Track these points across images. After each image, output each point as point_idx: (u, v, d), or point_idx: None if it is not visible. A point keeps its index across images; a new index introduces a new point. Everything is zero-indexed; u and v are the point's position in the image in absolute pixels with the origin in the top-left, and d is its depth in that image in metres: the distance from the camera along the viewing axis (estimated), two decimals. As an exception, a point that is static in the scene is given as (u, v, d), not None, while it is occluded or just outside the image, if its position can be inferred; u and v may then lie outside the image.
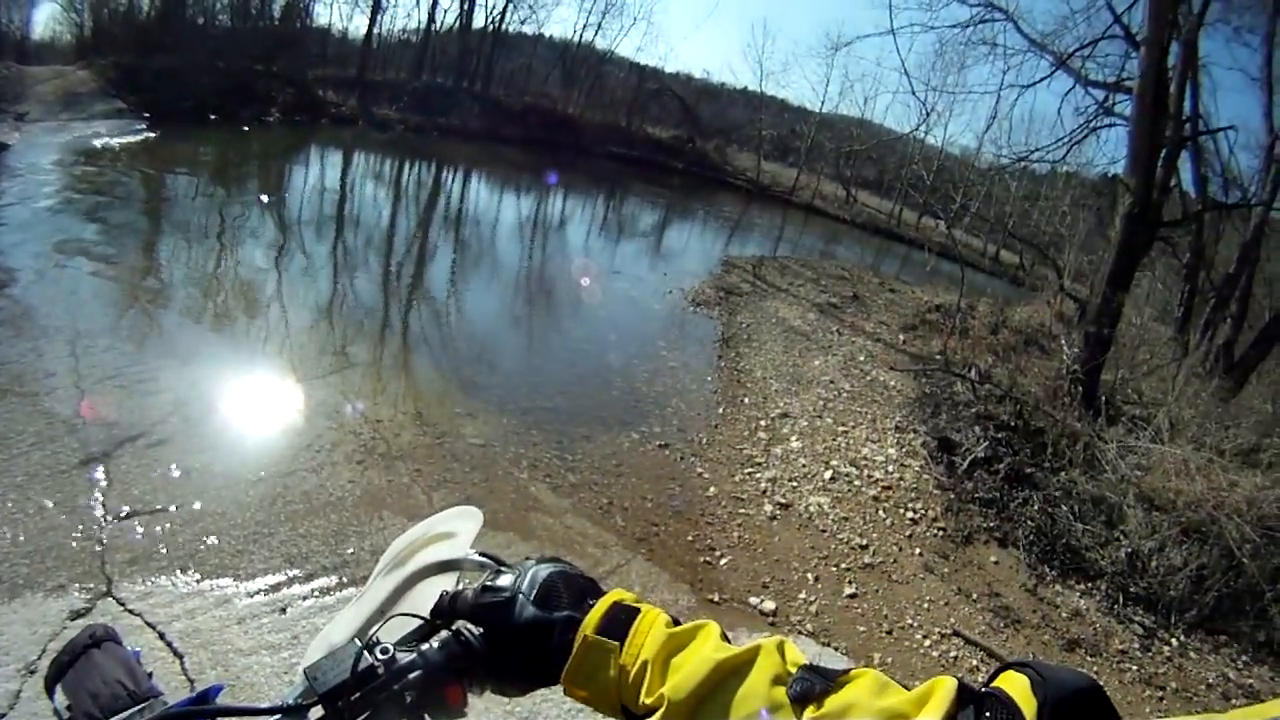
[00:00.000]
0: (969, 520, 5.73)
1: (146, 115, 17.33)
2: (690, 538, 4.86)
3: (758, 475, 5.79)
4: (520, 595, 0.69)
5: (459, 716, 0.69)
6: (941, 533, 5.54)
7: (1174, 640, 4.91)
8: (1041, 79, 12.74)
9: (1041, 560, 5.44)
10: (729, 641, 0.63)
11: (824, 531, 5.23)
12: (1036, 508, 5.87)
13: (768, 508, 5.35)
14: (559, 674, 0.65)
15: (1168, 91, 8.14)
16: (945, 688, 0.52)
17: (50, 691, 0.90)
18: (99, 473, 4.24)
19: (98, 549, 3.66)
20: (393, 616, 0.77)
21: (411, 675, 0.67)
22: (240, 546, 3.92)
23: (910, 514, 5.65)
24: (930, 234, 22.23)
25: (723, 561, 4.71)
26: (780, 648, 0.59)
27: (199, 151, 15.45)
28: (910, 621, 4.52)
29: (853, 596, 4.63)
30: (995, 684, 0.54)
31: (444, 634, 0.71)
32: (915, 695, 0.52)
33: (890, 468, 6.25)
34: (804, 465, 6.05)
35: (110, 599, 3.36)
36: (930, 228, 23.94)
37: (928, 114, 19.56)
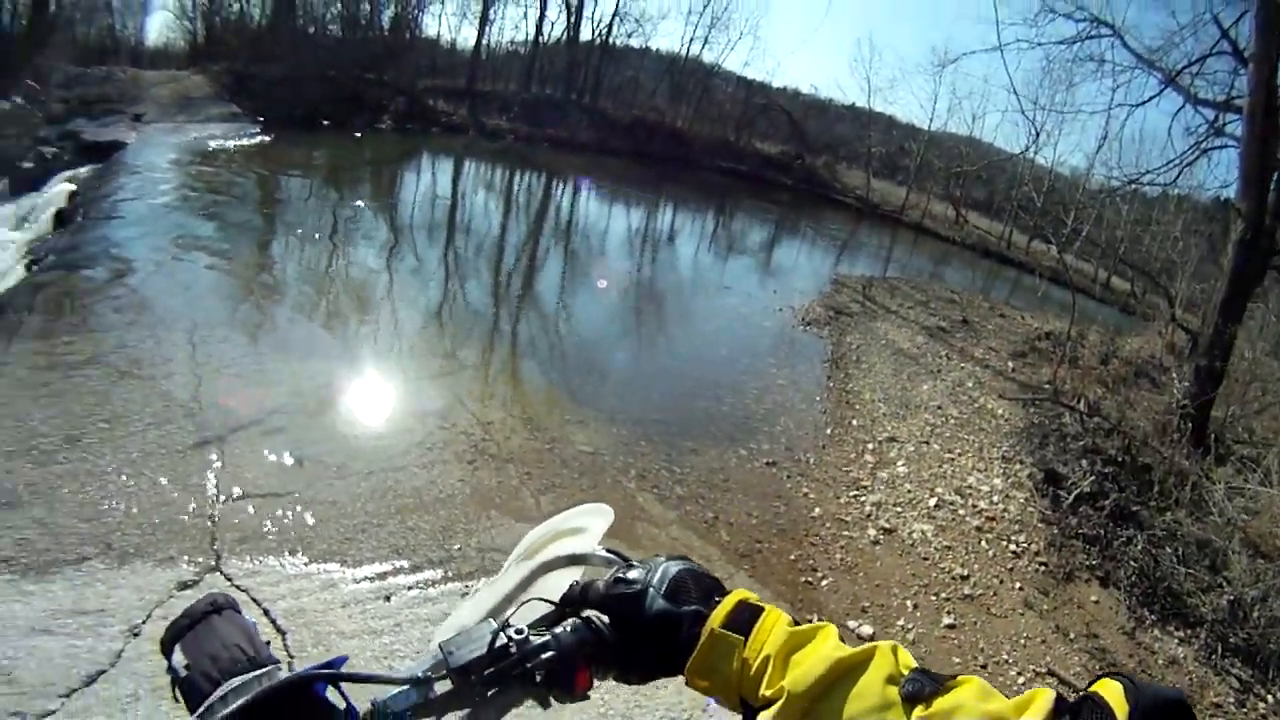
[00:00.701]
0: (1071, 557, 6.25)
1: (260, 120, 20.03)
2: (793, 557, 5.45)
3: (863, 498, 6.42)
4: (651, 589, 0.83)
5: (581, 699, 0.84)
6: (1043, 568, 6.04)
7: (1270, 697, 5.19)
8: (1150, 97, 13.15)
9: (1142, 603, 5.88)
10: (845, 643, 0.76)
11: (926, 559, 5.77)
12: (1140, 548, 6.34)
13: (871, 532, 5.94)
14: (682, 665, 0.79)
15: (1279, 110, 8.58)
16: (1045, 697, 0.64)
17: (168, 651, 1.08)
18: (213, 455, 5.01)
19: (208, 526, 4.32)
20: (526, 601, 0.93)
21: (544, 655, 0.82)
22: (349, 535, 4.51)
23: (1013, 547, 6.21)
24: (1040, 258, 24.31)
25: (824, 583, 5.25)
26: (894, 650, 0.71)
27: (312, 156, 17.62)
28: (1006, 657, 4.94)
29: (951, 627, 5.10)
30: (1091, 690, 0.66)
31: (574, 620, 0.86)
32: (1016, 702, 0.65)
33: (995, 498, 6.90)
34: (909, 491, 6.69)
35: (218, 573, 3.96)
36: (1040, 251, 25.61)
37: (1037, 133, 20.06)
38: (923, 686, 0.65)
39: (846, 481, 6.68)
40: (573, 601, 0.89)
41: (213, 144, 16.21)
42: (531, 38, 33.33)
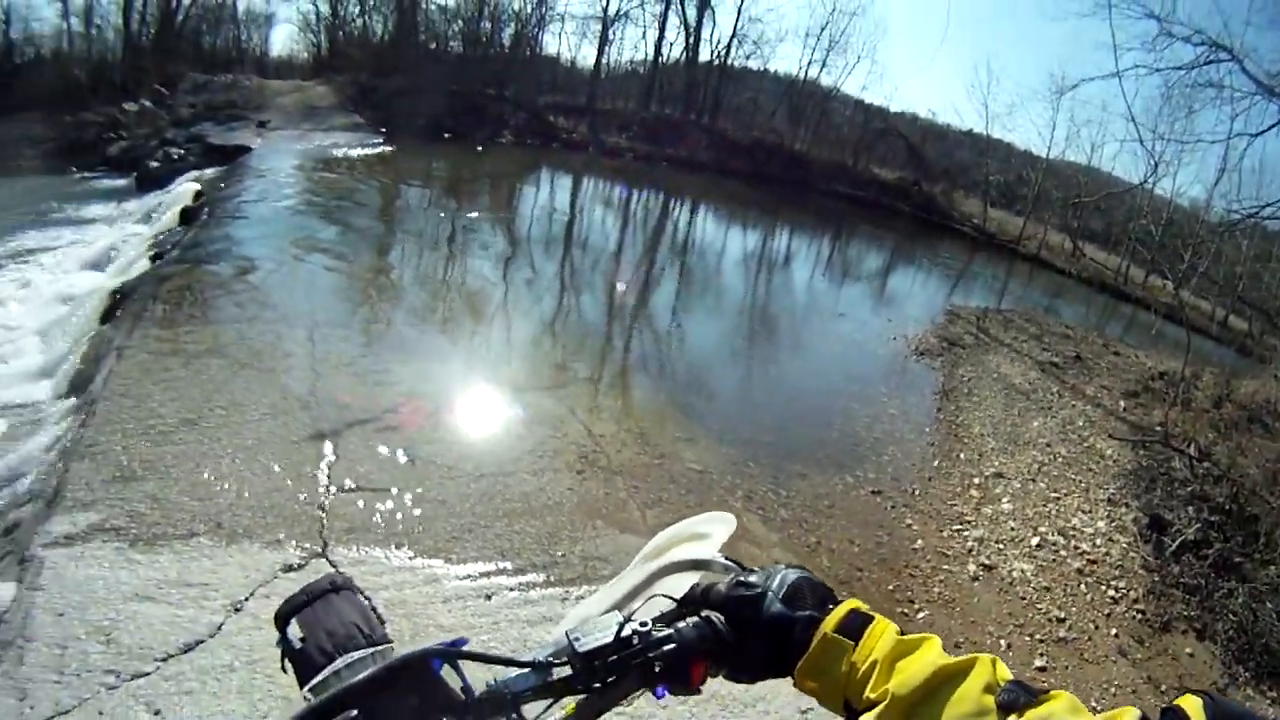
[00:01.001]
0: (1170, 606, 6.31)
1: (382, 130, 21.27)
2: (891, 587, 5.58)
3: (965, 533, 6.61)
4: (770, 593, 0.91)
5: (694, 694, 0.92)
6: (1140, 615, 6.09)
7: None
8: (1270, 126, 12.88)
9: (1237, 659, 5.89)
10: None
11: (1024, 599, 5.89)
12: (1241, 601, 6.34)
13: (971, 568, 6.11)
14: (792, 667, 0.88)
15: (1401, 141, 8.31)
16: (1130, 715, 0.71)
17: (283, 624, 1.19)
18: (327, 448, 5.31)
19: (318, 514, 4.55)
20: (650, 598, 1.02)
21: (665, 648, 0.90)
22: (455, 533, 4.68)
23: (1112, 592, 6.30)
24: (1157, 294, 24.21)
25: (920, 615, 5.36)
26: (993, 662, 0.77)
27: (433, 167, 18.56)
28: (1094, 705, 4.68)
29: (1042, 669, 5.21)
30: (1172, 704, 0.75)
31: (694, 618, 0.94)
32: (1103, 718, 0.72)
33: (1098, 541, 7.04)
34: (1012, 529, 6.88)
35: (324, 560, 4.16)
36: (1157, 287, 25.04)
37: (1155, 163, 19.50)
38: (1018, 697, 0.72)
39: (950, 515, 6.85)
40: (693, 601, 0.97)
41: (336, 152, 17.32)
42: (650, 57, 34.83)
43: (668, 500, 5.72)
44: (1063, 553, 6.70)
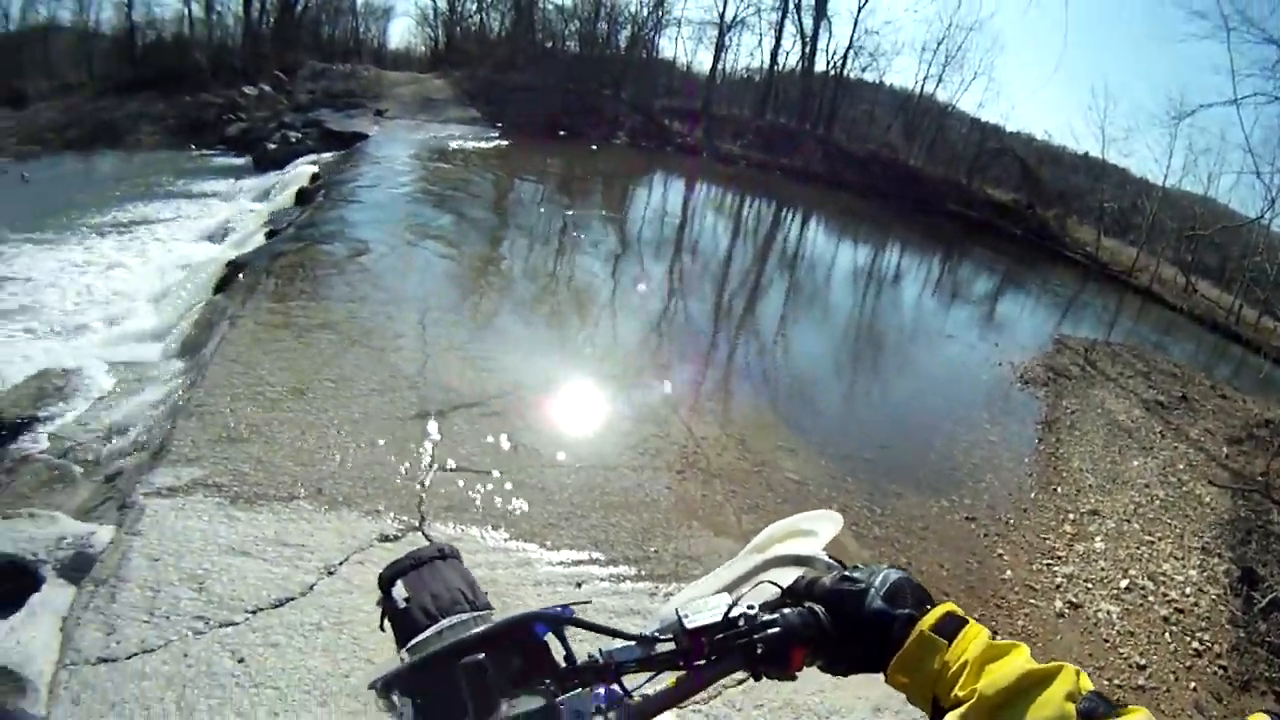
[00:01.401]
0: (1253, 665, 6.16)
1: (498, 125, 21.87)
2: (976, 616, 5.14)
3: (1055, 569, 6.58)
4: (872, 589, 0.96)
5: (789, 679, 0.97)
6: (1222, 671, 5.95)
7: None
8: None
9: None
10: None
11: (1107, 641, 5.82)
12: None
13: (1058, 604, 6.06)
14: (886, 663, 0.93)
15: None
16: None
17: (387, 585, 1.27)
18: (432, 427, 5.45)
19: (417, 490, 4.65)
20: (759, 583, 1.08)
21: (769, 631, 0.95)
22: (552, 521, 4.71)
23: (1196, 644, 6.16)
24: (1270, 336, 24.33)
25: None
26: (1077, 673, 0.81)
27: (547, 163, 18.88)
28: None
29: None
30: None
31: (798, 608, 0.98)
32: None
33: (1188, 590, 6.92)
34: (1103, 569, 6.82)
35: (420, 533, 4.23)
36: (1269, 330, 24.70)
37: (1274, 199, 18.79)
38: (1097, 707, 0.76)
39: (1042, 549, 6.84)
40: (798, 592, 1.03)
41: (452, 144, 17.88)
42: (766, 65, 35.27)
43: (764, 507, 5.70)
44: (1151, 598, 6.65)
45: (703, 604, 1.00)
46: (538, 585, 4.10)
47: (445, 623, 1.21)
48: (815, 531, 1.21)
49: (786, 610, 0.98)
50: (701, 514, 5.34)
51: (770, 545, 1.21)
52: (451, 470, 5.02)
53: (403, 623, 1.26)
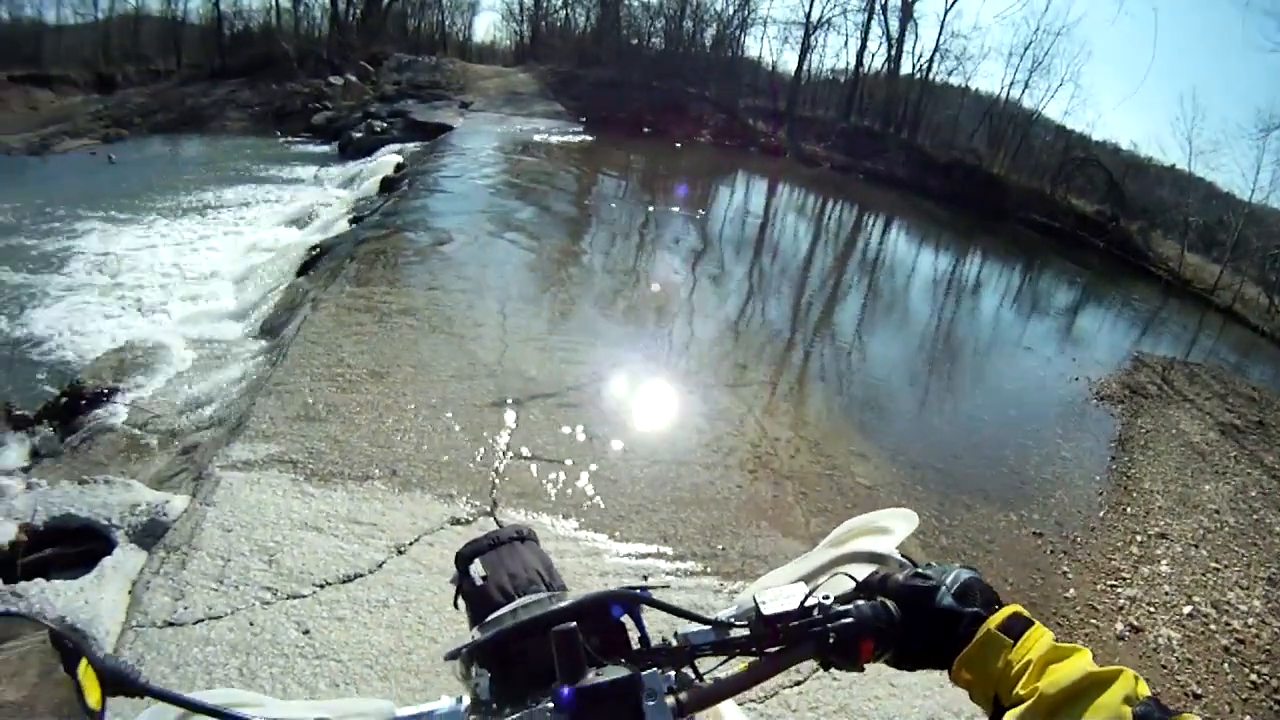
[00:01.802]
0: None
1: (582, 120, 22.11)
2: None
3: (1119, 590, 6.48)
4: (943, 586, 0.98)
5: (857, 670, 0.98)
6: (1277, 706, 5.79)
7: None
8: None
9: None
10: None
11: (1165, 668, 5.73)
12: None
13: (1119, 626, 5.99)
14: (950, 660, 0.94)
15: None
16: None
17: (464, 563, 1.33)
18: (509, 415, 5.52)
19: (491, 476, 4.69)
20: (835, 574, 1.09)
21: (843, 621, 0.97)
22: (622, 513, 4.71)
23: (1255, 676, 6.04)
24: None
25: None
26: (1136, 679, 0.82)
27: (630, 159, 19.03)
28: None
29: None
30: None
31: (871, 601, 1.00)
32: None
33: (1250, 621, 6.77)
34: (1166, 593, 6.71)
35: (491, 518, 4.26)
36: None
37: None
38: (1153, 712, 0.78)
39: (1107, 569, 6.75)
40: (871, 587, 1.05)
41: (536, 137, 18.15)
42: (852, 67, 35.20)
43: (833, 511, 5.69)
44: (1213, 626, 6.51)
45: (779, 592, 1.02)
46: (604, 575, 4.10)
47: (521, 601, 1.27)
48: (891, 529, 1.22)
49: (860, 602, 1.01)
50: (771, 514, 5.32)
51: (847, 540, 1.22)
52: (525, 458, 5.06)
53: (479, 600, 1.32)
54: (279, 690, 2.92)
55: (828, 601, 1.00)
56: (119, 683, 0.82)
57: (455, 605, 1.36)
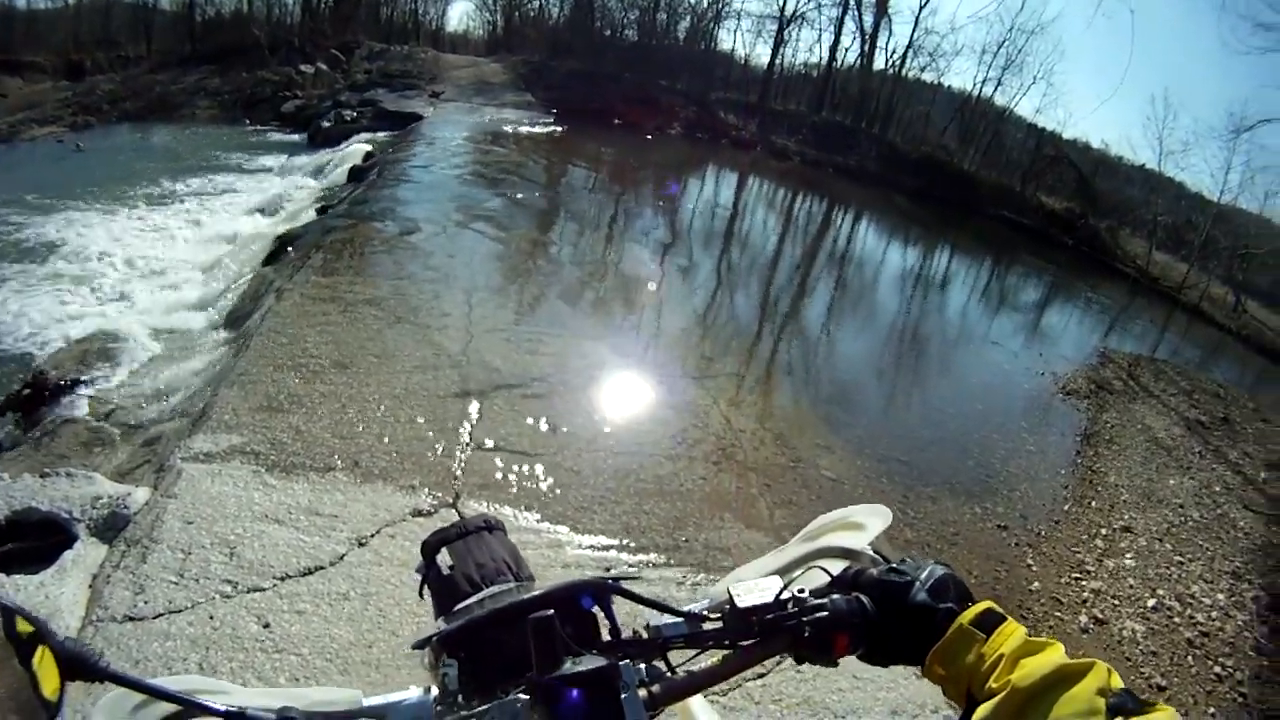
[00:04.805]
0: (1272, 695, 6.07)
1: (553, 111, 22.04)
2: None
3: (1083, 583, 6.58)
4: (918, 582, 0.98)
5: (831, 665, 0.99)
6: (1241, 699, 5.90)
7: None
8: None
9: None
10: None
11: (1129, 660, 5.83)
12: None
13: (1083, 619, 6.08)
14: (924, 655, 0.95)
15: None
16: None
17: (431, 553, 1.32)
18: (472, 407, 5.49)
19: (454, 467, 4.67)
20: (810, 568, 1.09)
21: (817, 615, 0.97)
22: (584, 504, 4.72)
23: (1218, 669, 6.15)
24: None
25: None
26: (1109, 671, 0.82)
27: (601, 151, 19.03)
28: None
29: None
30: None
31: (845, 596, 1.00)
32: None
33: (1214, 614, 6.93)
34: (1131, 586, 6.83)
35: (453, 510, 4.25)
36: None
37: None
38: (1126, 703, 0.78)
39: (1071, 562, 6.86)
40: (845, 581, 1.05)
41: (506, 128, 18.13)
42: (825, 61, 35.40)
43: (798, 503, 5.71)
44: (1177, 619, 6.66)
45: (753, 585, 1.02)
46: (566, 567, 4.11)
47: (488, 591, 1.27)
48: (864, 525, 1.23)
49: (835, 596, 1.00)
50: (735, 506, 5.34)
51: (821, 535, 1.24)
52: (489, 449, 5.05)
53: (445, 589, 1.31)
54: (239, 684, 2.90)
55: (803, 595, 1.00)
56: (79, 667, 0.80)
57: (420, 595, 1.36)
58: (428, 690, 0.98)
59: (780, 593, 0.99)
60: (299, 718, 0.85)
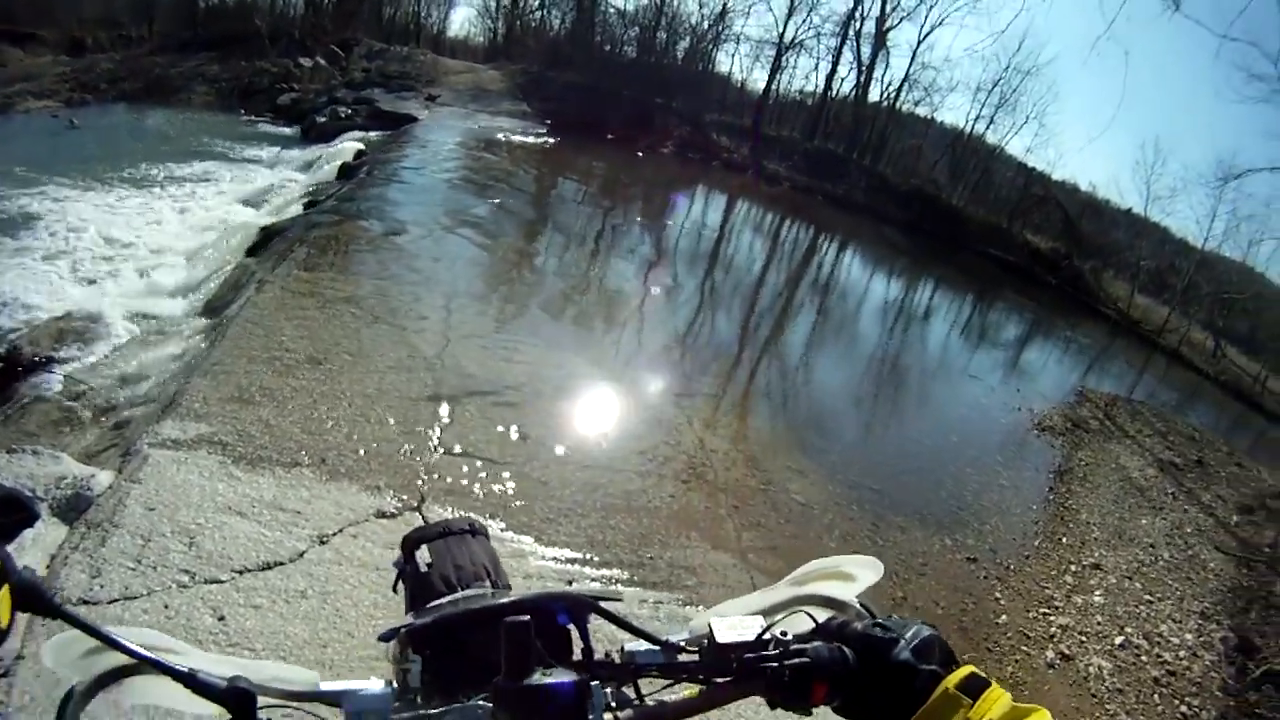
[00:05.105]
0: None
1: (548, 122, 22.12)
2: (966, 658, 5.24)
3: (1051, 618, 6.56)
4: (902, 640, 0.96)
5: (805, 713, 0.96)
6: None
7: None
8: None
9: None
10: None
11: (1095, 697, 5.79)
12: None
13: (1050, 654, 6.05)
14: (903, 715, 0.92)
15: None
16: None
17: (411, 549, 1.34)
18: (444, 410, 5.49)
19: (421, 471, 4.66)
20: (794, 612, 1.07)
21: (798, 660, 0.94)
22: (550, 516, 4.71)
23: (1184, 708, 6.15)
24: None
25: None
26: None
27: (593, 165, 19.13)
28: None
29: None
30: None
31: (828, 645, 0.97)
32: None
33: (1182, 653, 6.92)
34: (1099, 623, 6.81)
35: (418, 514, 4.24)
36: None
37: None
38: None
39: (1040, 597, 6.86)
40: (829, 631, 1.03)
41: (500, 135, 18.21)
42: (820, 90, 35.69)
43: (766, 525, 5.71)
44: (1144, 658, 6.65)
45: (735, 622, 1.01)
46: (529, 578, 4.10)
47: (463, 593, 1.27)
48: (854, 576, 1.22)
49: (817, 644, 0.98)
50: (702, 525, 5.34)
51: (809, 581, 1.22)
52: (457, 454, 5.05)
53: (420, 587, 1.33)
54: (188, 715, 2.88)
55: (785, 638, 0.98)
56: (32, 600, 0.80)
57: (395, 590, 1.38)
58: (389, 684, 0.95)
59: (762, 633, 0.99)
60: (249, 689, 0.82)
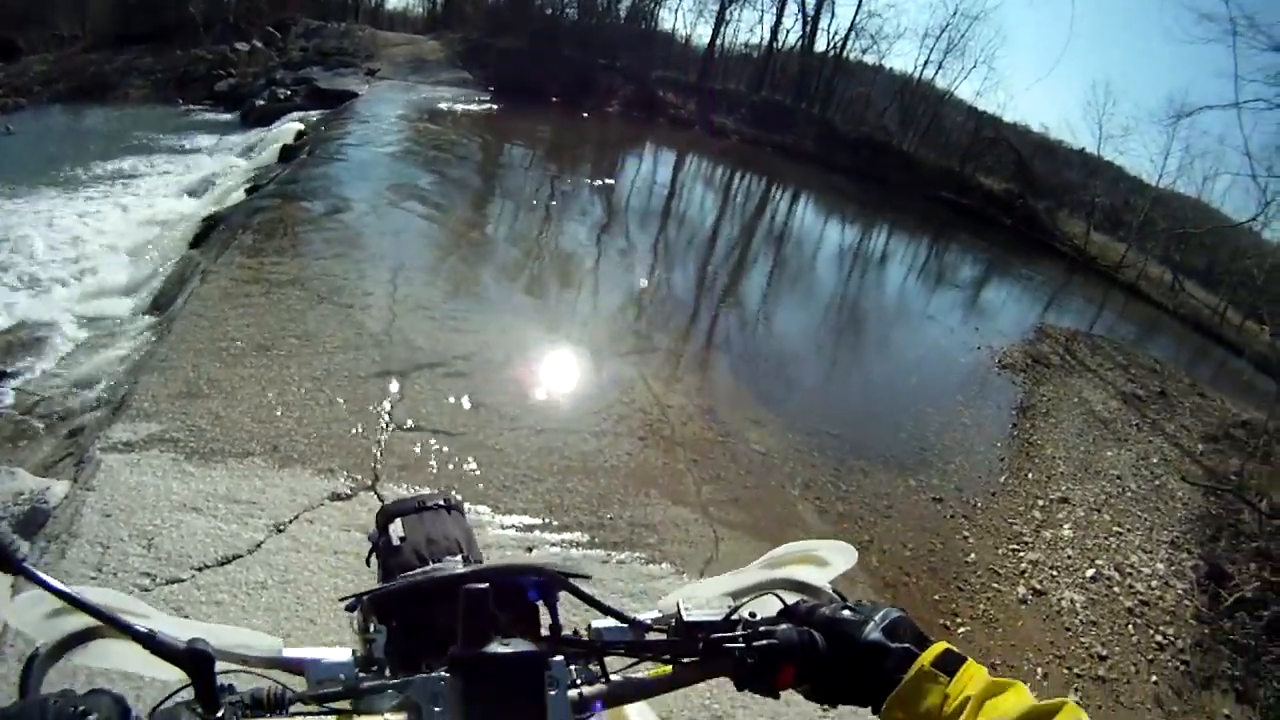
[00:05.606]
0: (1215, 663, 6.22)
1: (490, 89, 21.91)
2: (937, 598, 5.60)
3: (1021, 554, 6.62)
4: (871, 621, 0.95)
5: (772, 696, 0.95)
6: (1184, 667, 6.02)
7: None
8: None
9: None
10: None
11: (1069, 630, 5.87)
12: None
13: (1021, 590, 6.11)
14: (876, 697, 0.91)
15: None
16: None
17: (385, 522, 1.34)
18: (393, 386, 5.44)
19: (373, 449, 4.63)
20: (761, 595, 1.07)
21: (765, 642, 0.93)
22: (507, 483, 4.72)
23: (1160, 637, 6.24)
24: (1252, 340, 24.93)
25: (960, 631, 5.38)
26: (1078, 710, 0.79)
27: (537, 129, 18.94)
28: None
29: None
30: None
31: (798, 628, 0.96)
32: None
33: (1154, 583, 7.03)
34: (1069, 556, 6.88)
35: (373, 493, 4.23)
36: (1253, 332, 25.63)
37: (1267, 203, 19.47)
38: None
39: (1009, 534, 6.87)
40: (798, 615, 1.02)
41: (442, 105, 18.01)
42: (766, 42, 35.42)
43: (725, 478, 5.72)
44: (1116, 589, 6.72)
45: (705, 602, 1.00)
46: (487, 548, 4.05)
47: (434, 566, 1.29)
48: (828, 562, 1.21)
49: (785, 626, 0.97)
50: (661, 482, 5.36)
51: (782, 565, 1.22)
52: (410, 430, 5.02)
53: (392, 559, 1.34)
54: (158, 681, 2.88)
55: (753, 620, 0.97)
56: None
57: (368, 563, 1.40)
58: (354, 653, 0.95)
59: (731, 614, 0.98)
60: (209, 652, 0.79)
